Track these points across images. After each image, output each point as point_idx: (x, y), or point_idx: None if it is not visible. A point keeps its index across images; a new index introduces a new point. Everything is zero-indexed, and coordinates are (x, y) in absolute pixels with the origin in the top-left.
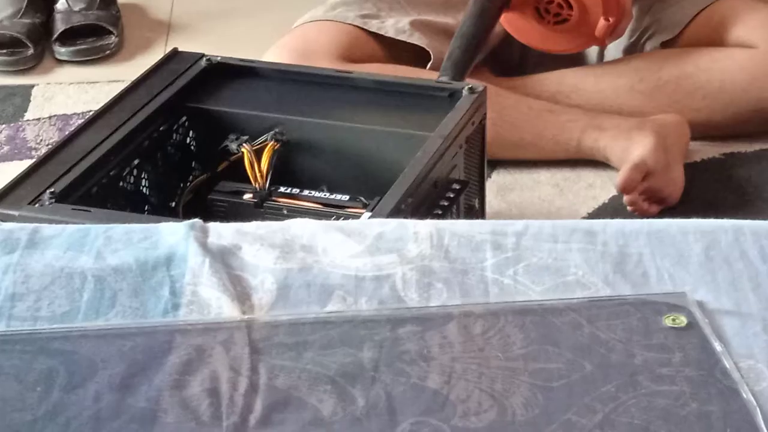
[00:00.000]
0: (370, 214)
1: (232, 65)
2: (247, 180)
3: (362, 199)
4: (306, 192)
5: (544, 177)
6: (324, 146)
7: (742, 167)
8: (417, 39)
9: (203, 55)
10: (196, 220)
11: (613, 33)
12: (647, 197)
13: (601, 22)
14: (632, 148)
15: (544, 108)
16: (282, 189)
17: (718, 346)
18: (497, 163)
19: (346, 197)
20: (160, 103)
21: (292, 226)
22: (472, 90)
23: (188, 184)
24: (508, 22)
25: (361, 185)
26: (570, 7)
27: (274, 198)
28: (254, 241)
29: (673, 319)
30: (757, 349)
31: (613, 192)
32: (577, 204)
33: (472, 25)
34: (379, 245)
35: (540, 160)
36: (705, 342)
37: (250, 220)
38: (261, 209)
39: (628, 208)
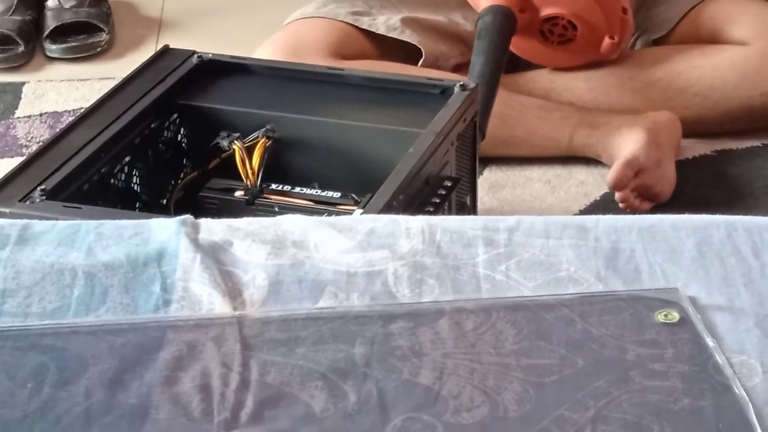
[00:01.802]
0: (361, 211)
1: (223, 62)
2: (238, 177)
3: (354, 196)
4: (297, 189)
5: (535, 174)
6: (315, 143)
7: (733, 164)
8: (408, 36)
9: (194, 52)
10: (187, 216)
11: (617, 49)
12: (639, 194)
13: (606, 41)
14: (624, 145)
15: (535, 105)
16: (273, 186)
17: (710, 342)
18: (489, 160)
19: (337, 194)
20: (151, 100)
21: (284, 222)
22: (463, 87)
23: (179, 181)
24: (514, 44)
25: (353, 182)
26: (574, 27)
27: (265, 195)
28: (245, 237)
29: (666, 315)
30: (750, 344)
31: (605, 189)
32: (568, 201)
33: (485, 64)
34: (371, 241)
35: (532, 157)
36: (697, 338)
37: (241, 218)
38: (252, 206)
39: (620, 204)
